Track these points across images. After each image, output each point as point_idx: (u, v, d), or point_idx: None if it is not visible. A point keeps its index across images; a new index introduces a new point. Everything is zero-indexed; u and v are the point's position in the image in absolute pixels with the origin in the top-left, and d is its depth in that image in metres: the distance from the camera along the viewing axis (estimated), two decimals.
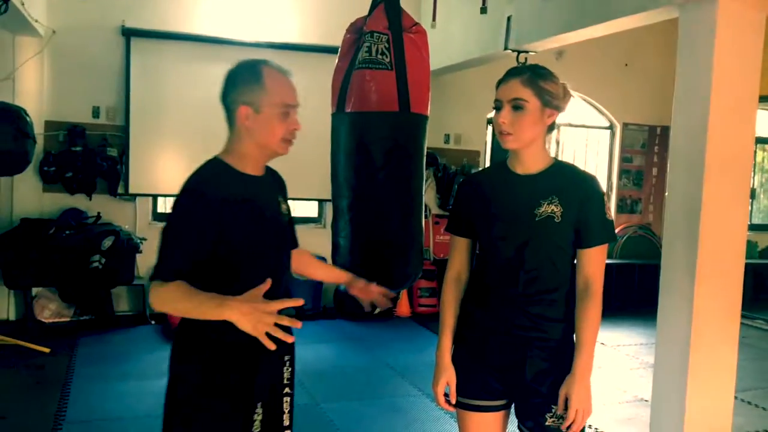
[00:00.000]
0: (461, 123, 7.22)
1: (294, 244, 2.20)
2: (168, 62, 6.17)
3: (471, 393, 2.09)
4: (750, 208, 7.31)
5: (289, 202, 2.12)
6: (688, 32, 3.44)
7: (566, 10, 4.51)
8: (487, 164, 7.40)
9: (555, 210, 1.98)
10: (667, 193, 3.65)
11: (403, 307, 6.81)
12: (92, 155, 5.95)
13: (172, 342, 1.95)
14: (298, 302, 1.73)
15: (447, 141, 7.22)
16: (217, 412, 1.85)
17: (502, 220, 2.05)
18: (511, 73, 2.02)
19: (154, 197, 6.45)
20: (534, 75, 1.98)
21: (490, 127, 7.38)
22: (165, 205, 6.66)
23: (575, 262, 2.05)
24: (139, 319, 6.06)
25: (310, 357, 4.94)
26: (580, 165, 2.13)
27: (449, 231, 2.21)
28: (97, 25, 6.04)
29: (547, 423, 2.01)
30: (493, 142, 7.45)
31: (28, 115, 5.14)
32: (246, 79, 1.91)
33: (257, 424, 1.90)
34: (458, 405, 2.12)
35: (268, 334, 1.66)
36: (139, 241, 5.91)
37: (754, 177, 8.35)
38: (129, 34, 6.04)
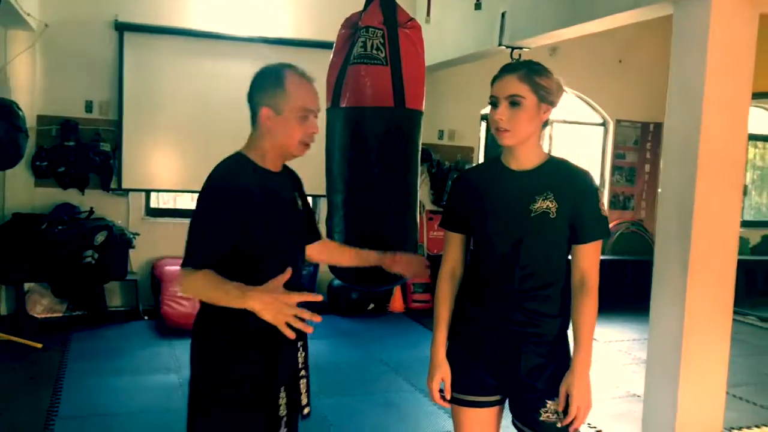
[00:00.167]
0: (455, 119, 7.22)
1: (317, 236, 2.33)
2: (161, 57, 6.14)
3: (465, 389, 2.10)
4: (742, 204, 7.34)
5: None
6: (682, 29, 3.44)
7: (560, 6, 4.51)
8: (481, 160, 7.40)
9: (550, 206, 1.99)
10: (660, 190, 3.66)
11: (397, 303, 6.82)
12: (85, 150, 5.92)
13: (192, 332, 2.04)
14: (317, 298, 1.84)
15: (441, 137, 7.22)
16: (243, 399, 1.95)
17: (496, 216, 2.05)
18: (506, 70, 2.02)
19: (147, 192, 6.43)
20: (530, 71, 1.98)
21: (484, 123, 7.38)
22: (158, 200, 6.64)
23: (569, 257, 2.06)
24: (132, 315, 6.04)
25: None
26: (573, 161, 2.13)
27: (443, 227, 2.22)
28: (90, 19, 6.00)
29: (541, 418, 2.02)
30: (487, 138, 7.45)
31: (20, 109, 5.12)
32: (269, 83, 2.00)
33: (282, 407, 2.01)
34: (453, 401, 2.12)
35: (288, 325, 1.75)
36: (132, 236, 5.89)
37: (746, 174, 8.38)
38: (122, 28, 6.02)
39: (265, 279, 1.79)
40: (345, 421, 3.97)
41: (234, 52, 6.24)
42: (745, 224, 7.86)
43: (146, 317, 5.97)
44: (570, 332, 2.05)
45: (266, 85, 2.00)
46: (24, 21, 5.35)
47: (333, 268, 3.05)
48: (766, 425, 4.24)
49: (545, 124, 2.06)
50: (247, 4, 6.36)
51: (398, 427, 3.95)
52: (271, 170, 2.04)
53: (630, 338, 6.21)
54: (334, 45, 3.10)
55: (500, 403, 2.13)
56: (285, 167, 2.13)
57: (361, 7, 3.05)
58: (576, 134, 8.05)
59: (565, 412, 1.99)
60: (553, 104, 2.02)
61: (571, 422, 1.98)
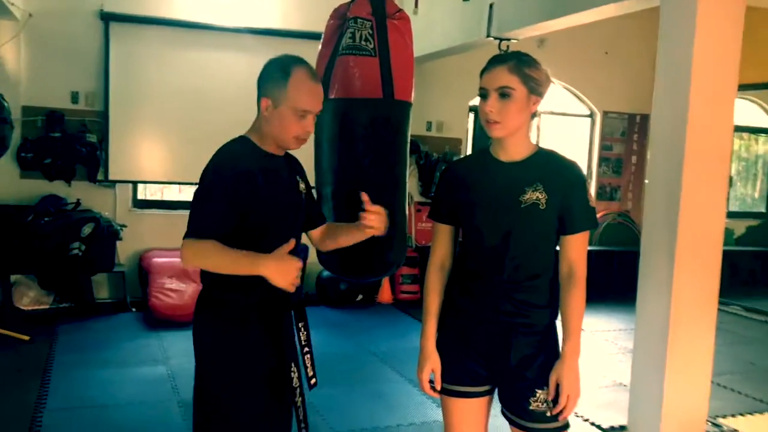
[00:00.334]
0: (443, 110, 7.22)
1: (322, 219, 2.39)
2: (147, 47, 6.09)
3: (455, 379, 2.11)
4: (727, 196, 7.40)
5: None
6: (669, 20, 3.46)
7: None
8: (469, 151, 7.41)
9: (540, 197, 2.00)
10: (646, 181, 3.69)
11: (385, 294, 6.84)
12: (71, 141, 5.88)
13: (195, 315, 2.09)
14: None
15: (429, 128, 7.22)
16: (251, 372, 2.04)
17: (485, 207, 2.05)
18: (495, 61, 2.01)
19: (134, 184, 6.39)
20: (520, 62, 1.98)
21: (472, 115, 7.39)
22: (145, 192, 6.61)
23: (557, 248, 2.07)
24: (120, 307, 6.02)
25: None
26: (561, 153, 2.14)
27: (432, 218, 2.22)
28: (75, 8, 5.94)
29: (531, 407, 2.03)
30: (475, 130, 7.46)
31: (5, 99, 5.07)
32: (275, 75, 2.03)
33: (295, 379, 2.11)
34: (443, 391, 2.14)
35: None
36: (119, 227, 5.86)
37: (731, 165, 8.44)
38: (108, 18, 5.96)
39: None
40: (334, 411, 3.98)
41: (221, 42, 6.20)
42: (730, 215, 7.95)
43: (134, 309, 5.95)
44: (559, 322, 2.07)
45: (272, 76, 2.03)
46: (8, 10, 5.29)
47: (321, 259, 3.05)
48: (750, 413, 4.29)
49: (534, 115, 2.06)
50: None
51: (387, 417, 3.97)
52: (272, 153, 2.09)
53: (616, 328, 6.26)
54: (323, 36, 3.09)
55: (490, 393, 2.14)
56: (287, 153, 2.18)
57: None
58: (563, 125, 8.07)
59: (555, 401, 2.01)
60: (541, 95, 2.03)
61: (561, 411, 2.00)
